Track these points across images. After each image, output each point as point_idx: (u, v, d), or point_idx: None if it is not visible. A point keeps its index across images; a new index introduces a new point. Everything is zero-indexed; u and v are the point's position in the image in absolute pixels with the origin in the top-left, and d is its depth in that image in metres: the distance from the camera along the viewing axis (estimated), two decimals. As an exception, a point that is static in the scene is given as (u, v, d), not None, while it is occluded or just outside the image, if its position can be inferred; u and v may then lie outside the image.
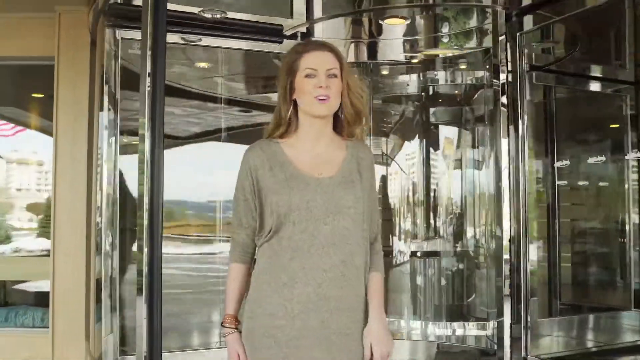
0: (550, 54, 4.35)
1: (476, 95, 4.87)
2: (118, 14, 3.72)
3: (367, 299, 1.93)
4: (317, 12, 3.98)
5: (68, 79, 4.61)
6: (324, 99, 1.86)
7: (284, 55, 2.01)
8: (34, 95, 6.24)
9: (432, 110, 5.00)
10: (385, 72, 5.00)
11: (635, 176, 4.51)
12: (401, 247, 4.92)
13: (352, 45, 4.60)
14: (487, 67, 4.36)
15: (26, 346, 4.57)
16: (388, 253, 4.89)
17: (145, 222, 3.23)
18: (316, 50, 1.91)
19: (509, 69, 3.64)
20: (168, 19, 3.35)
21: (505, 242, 3.59)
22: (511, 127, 3.64)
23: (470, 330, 4.59)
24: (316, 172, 1.90)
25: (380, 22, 4.23)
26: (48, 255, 4.88)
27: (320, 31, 4.12)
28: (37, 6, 4.56)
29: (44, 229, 7.03)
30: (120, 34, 3.86)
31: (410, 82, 4.97)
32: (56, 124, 4.64)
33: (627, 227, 4.49)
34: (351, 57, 4.68)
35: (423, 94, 4.96)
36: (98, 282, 4.26)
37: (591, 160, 4.68)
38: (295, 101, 1.94)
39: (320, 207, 1.84)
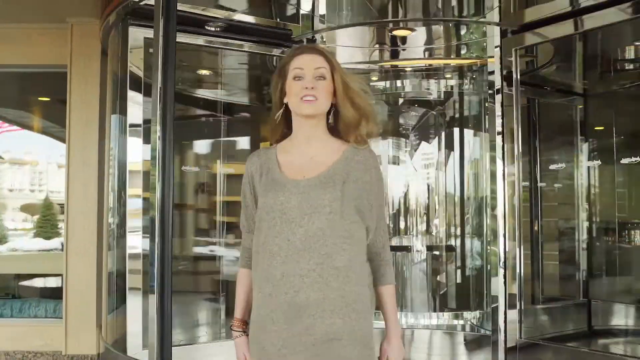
0: (532, 67, 4.74)
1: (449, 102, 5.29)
2: (147, 15, 3.88)
3: (382, 311, 1.93)
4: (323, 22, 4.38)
5: (80, 86, 4.93)
6: (310, 100, 1.84)
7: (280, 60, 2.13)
8: (40, 98, 6.50)
9: (445, 114, 5.37)
10: (406, 77, 5.35)
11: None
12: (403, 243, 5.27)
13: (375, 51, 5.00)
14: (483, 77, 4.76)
15: (40, 335, 4.90)
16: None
17: (157, 220, 3.60)
18: (304, 53, 1.90)
19: (502, 79, 4.03)
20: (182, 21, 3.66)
21: (501, 238, 3.94)
22: (507, 133, 4.01)
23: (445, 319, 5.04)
24: (301, 175, 1.86)
25: (389, 33, 4.63)
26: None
27: (329, 38, 4.47)
28: (49, 17, 4.86)
29: (42, 229, 7.22)
30: (144, 33, 3.98)
31: (431, 88, 5.32)
32: (69, 129, 4.95)
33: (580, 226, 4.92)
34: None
35: (440, 99, 5.35)
36: (110, 276, 4.55)
37: (589, 164, 5.03)
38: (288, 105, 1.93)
39: (295, 209, 1.79)
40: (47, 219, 7.45)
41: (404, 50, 5.01)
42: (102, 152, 4.85)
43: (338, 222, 1.79)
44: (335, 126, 1.94)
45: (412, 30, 4.55)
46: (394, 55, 5.12)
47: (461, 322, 4.97)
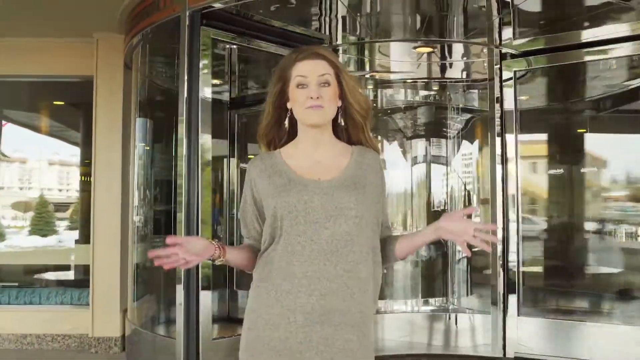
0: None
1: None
2: (218, 17, 4.22)
3: (407, 243, 1.87)
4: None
5: (104, 95, 5.42)
6: (317, 109, 1.78)
7: (281, 61, 1.92)
8: (55, 102, 6.97)
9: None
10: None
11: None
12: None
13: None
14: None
15: (67, 320, 5.41)
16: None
17: (183, 215, 4.11)
18: (308, 58, 1.82)
19: (501, 94, 4.87)
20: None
21: (499, 231, 4.70)
22: (508, 141, 4.84)
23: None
24: (315, 177, 1.80)
25: (413, 49, 5.33)
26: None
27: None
28: (77, 32, 5.35)
29: (37, 227, 7.43)
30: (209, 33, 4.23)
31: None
32: (95, 133, 5.42)
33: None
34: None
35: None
36: (135, 268, 5.07)
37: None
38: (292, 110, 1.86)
39: (319, 210, 1.73)
40: (41, 216, 7.81)
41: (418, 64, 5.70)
42: (127, 154, 5.34)
43: (364, 228, 1.77)
44: (344, 129, 1.91)
45: (433, 47, 5.27)
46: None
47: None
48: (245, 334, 1.78)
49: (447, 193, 5.87)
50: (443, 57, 5.60)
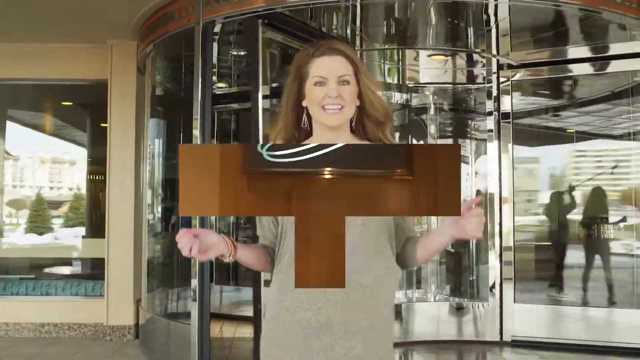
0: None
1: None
2: (277, 19, 4.34)
3: (428, 242, 1.75)
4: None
5: (118, 97, 5.73)
6: (337, 109, 1.72)
7: (295, 56, 1.84)
8: (63, 103, 7.28)
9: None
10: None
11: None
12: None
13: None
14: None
15: (82, 309, 5.74)
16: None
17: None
18: (326, 55, 1.75)
19: (499, 100, 5.41)
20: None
21: (497, 227, 5.29)
22: (504, 143, 5.39)
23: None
24: None
25: (428, 57, 5.80)
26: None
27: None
28: (91, 38, 5.66)
29: (33, 224, 7.55)
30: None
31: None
32: (110, 134, 5.73)
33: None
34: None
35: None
36: (147, 261, 5.41)
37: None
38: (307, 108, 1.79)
39: None
40: (38, 214, 8.00)
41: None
42: (139, 154, 5.66)
43: (369, 235, 1.72)
44: (362, 127, 1.82)
45: (446, 55, 5.74)
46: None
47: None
48: (262, 342, 1.80)
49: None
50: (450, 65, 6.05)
